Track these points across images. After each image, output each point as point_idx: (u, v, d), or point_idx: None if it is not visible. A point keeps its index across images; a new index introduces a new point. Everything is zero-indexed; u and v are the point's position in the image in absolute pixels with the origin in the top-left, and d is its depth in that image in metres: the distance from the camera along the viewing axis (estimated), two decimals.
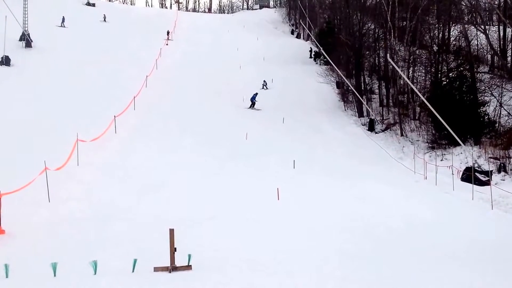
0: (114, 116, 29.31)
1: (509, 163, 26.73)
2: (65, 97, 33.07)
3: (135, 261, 10.45)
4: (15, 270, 10.23)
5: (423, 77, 41.03)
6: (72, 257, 11.76)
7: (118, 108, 31.55)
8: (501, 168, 26.55)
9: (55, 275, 10.06)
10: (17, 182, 16.41)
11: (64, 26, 54.95)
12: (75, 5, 68.68)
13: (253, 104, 40.41)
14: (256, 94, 41.05)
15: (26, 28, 44.45)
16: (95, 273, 10.22)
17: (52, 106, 30.93)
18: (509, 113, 32.14)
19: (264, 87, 45.64)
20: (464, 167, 27.28)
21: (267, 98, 42.72)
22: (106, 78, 39.63)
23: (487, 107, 32.71)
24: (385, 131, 38.31)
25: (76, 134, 22.94)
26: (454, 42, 44.09)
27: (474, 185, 22.61)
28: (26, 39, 44.47)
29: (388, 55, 39.02)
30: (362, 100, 41.50)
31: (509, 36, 41.57)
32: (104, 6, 76.19)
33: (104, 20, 64.55)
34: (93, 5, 73.61)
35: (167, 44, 59.14)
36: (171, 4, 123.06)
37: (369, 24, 48.49)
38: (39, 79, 36.24)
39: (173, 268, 10.46)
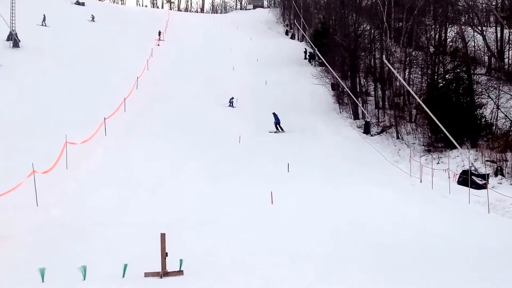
0: (104, 118, 29.29)
1: (506, 166, 26.84)
2: (53, 99, 33.04)
3: (125, 266, 10.45)
4: (2, 275, 10.23)
5: (419, 79, 41.16)
6: (60, 262, 11.74)
7: (108, 110, 31.51)
8: (498, 172, 26.66)
9: (43, 281, 10.04)
10: (4, 185, 16.39)
11: (45, 25, 54.68)
12: (63, 4, 68.52)
13: (278, 126, 36.62)
14: (275, 114, 36.95)
15: (13, 28, 44.33)
16: (84, 279, 10.21)
17: (40, 107, 30.89)
18: (506, 115, 32.28)
19: (231, 105, 41.59)
20: (460, 170, 27.37)
21: (261, 99, 42.80)
22: (96, 79, 39.59)
23: (484, 110, 32.84)
24: (381, 134, 38.38)
25: (65, 136, 22.89)
26: (450, 44, 44.25)
27: (471, 189, 22.69)
28: (13, 39, 44.35)
29: (384, 56, 39.14)
30: (358, 102, 41.58)
31: (507, 38, 41.79)
32: (94, 5, 75.95)
33: (93, 20, 64.30)
34: (83, 4, 73.45)
35: (158, 45, 59.12)
36: (162, 4, 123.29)
37: (364, 25, 48.59)
38: (28, 80, 36.17)
39: (164, 273, 10.46)
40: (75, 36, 52.28)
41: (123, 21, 67.08)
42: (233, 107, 41.37)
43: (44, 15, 54.90)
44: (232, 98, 41.85)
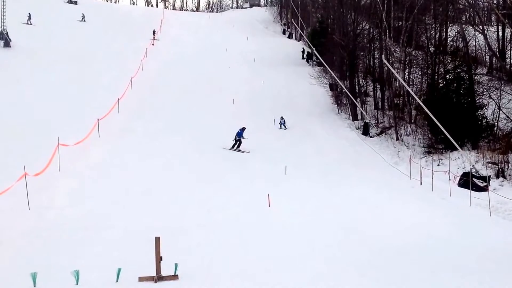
0: (98, 119, 29.28)
1: (507, 168, 26.90)
2: (46, 99, 33.01)
3: (119, 270, 10.47)
4: None
5: (419, 79, 41.25)
6: (53, 266, 11.75)
7: (102, 111, 31.51)
8: (500, 173, 26.72)
9: (35, 285, 10.06)
10: None
11: (30, 24, 54.43)
12: (55, 2, 68.43)
13: (238, 142, 31.48)
14: (243, 129, 32.02)
15: (4, 27, 44.28)
16: (77, 283, 10.23)
17: (32, 108, 30.85)
18: (507, 116, 32.35)
19: (283, 126, 37.52)
20: (461, 172, 27.44)
21: (258, 100, 42.85)
22: (89, 79, 39.58)
23: (485, 110, 32.90)
24: (380, 135, 38.47)
25: (57, 138, 22.88)
26: (451, 43, 44.43)
27: (472, 191, 22.73)
28: (4, 39, 44.29)
29: (383, 56, 39.19)
30: (356, 103, 41.67)
31: (508, 37, 41.88)
32: (86, 4, 75.81)
33: (83, 20, 63.94)
34: (75, 3, 73.37)
35: (153, 44, 59.15)
36: (157, 3, 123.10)
37: (363, 24, 48.69)
38: (19, 81, 36.12)
39: (159, 277, 10.48)
40: (67, 36, 52.24)
41: (117, 20, 67.11)
42: (285, 128, 37.45)
43: (29, 13, 54.53)
44: (282, 117, 38.06)
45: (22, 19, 53.50)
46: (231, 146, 31.15)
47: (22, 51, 43.70)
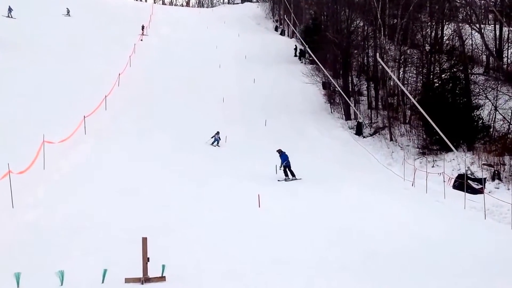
0: (84, 116, 29.20)
1: (503, 170, 27.02)
2: (31, 96, 32.80)
3: (105, 271, 10.48)
4: None
5: (414, 78, 41.40)
6: (37, 267, 11.73)
7: (88, 108, 31.40)
8: (495, 176, 26.83)
9: (18, 286, 10.05)
10: None
11: (11, 17, 53.91)
12: None
13: (290, 171, 26.08)
14: (283, 154, 26.49)
15: None
16: (61, 284, 10.23)
17: (17, 104, 30.68)
18: (504, 117, 32.50)
19: (215, 142, 32.63)
20: (456, 174, 27.51)
21: (249, 99, 42.84)
22: (76, 76, 39.36)
23: (481, 111, 33.00)
24: (374, 135, 38.57)
25: (43, 135, 22.81)
26: (447, 42, 44.51)
27: (467, 193, 22.79)
28: None
29: (377, 54, 39.34)
30: (350, 102, 41.77)
31: (506, 36, 42.10)
32: None
33: (68, 14, 63.40)
34: None
35: (141, 40, 58.95)
36: None
37: (357, 21, 48.79)
38: (3, 76, 35.90)
39: (145, 279, 10.50)
40: (53, 31, 51.84)
41: (104, 15, 66.72)
42: (218, 146, 32.47)
43: (9, 6, 53.85)
44: (218, 132, 32.96)
45: (3, 12, 53.03)
46: (289, 177, 26.01)
47: (5, 45, 43.39)
